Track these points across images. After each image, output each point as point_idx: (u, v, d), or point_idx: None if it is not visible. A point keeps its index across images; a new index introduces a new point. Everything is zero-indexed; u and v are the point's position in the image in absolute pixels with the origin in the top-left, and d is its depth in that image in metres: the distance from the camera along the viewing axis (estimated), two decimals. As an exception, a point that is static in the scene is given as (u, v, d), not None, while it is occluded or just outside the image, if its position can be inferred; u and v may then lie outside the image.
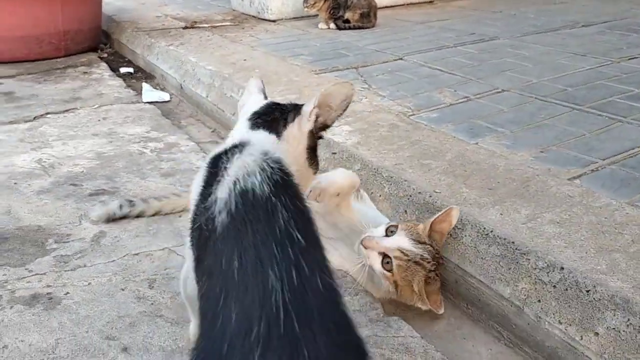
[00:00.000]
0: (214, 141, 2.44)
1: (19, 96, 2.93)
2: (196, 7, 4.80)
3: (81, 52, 3.84)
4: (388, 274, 1.37)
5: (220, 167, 0.93)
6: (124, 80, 3.34)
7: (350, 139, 1.95)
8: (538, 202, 1.50)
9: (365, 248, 1.39)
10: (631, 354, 1.09)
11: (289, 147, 1.13)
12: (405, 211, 1.60)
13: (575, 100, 2.26)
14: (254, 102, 1.18)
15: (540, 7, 4.45)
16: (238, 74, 2.73)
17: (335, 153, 1.89)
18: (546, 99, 2.29)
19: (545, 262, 1.27)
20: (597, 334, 1.15)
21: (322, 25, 3.81)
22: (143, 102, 2.91)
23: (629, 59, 2.84)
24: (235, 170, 0.91)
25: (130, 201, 1.76)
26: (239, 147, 0.99)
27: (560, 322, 1.20)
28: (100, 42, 4.12)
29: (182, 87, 3.03)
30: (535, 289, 1.26)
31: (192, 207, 1.00)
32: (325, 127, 1.18)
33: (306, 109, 1.15)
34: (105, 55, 3.98)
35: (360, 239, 1.42)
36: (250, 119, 1.14)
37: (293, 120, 1.14)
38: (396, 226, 1.41)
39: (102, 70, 3.50)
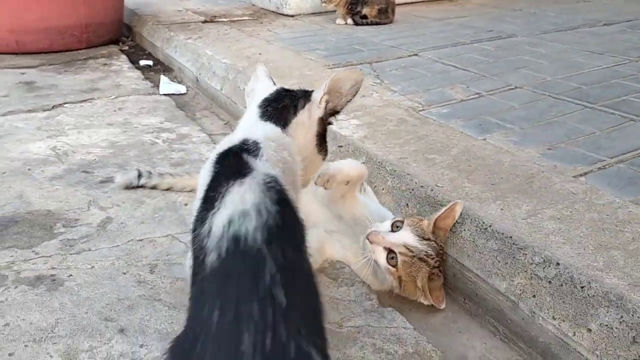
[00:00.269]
0: (226, 133, 2.46)
1: (40, 86, 2.99)
2: (217, 2, 4.84)
3: (102, 44, 3.91)
4: (393, 269, 1.37)
5: (219, 191, 0.89)
6: (143, 72, 3.39)
7: (357, 133, 1.95)
8: (540, 198, 1.49)
9: (371, 243, 1.39)
10: (623, 351, 1.08)
11: (298, 134, 1.14)
12: (407, 204, 1.61)
13: (589, 98, 2.23)
14: (263, 87, 1.19)
15: (563, 5, 4.38)
16: (252, 67, 2.75)
17: (341, 146, 1.90)
18: (559, 96, 2.27)
19: (542, 258, 1.26)
20: (589, 330, 1.14)
21: (339, 21, 3.82)
22: (159, 94, 2.95)
23: (649, 58, 2.79)
24: (232, 203, 0.86)
25: (149, 172, 1.89)
26: (243, 161, 0.95)
27: (553, 318, 1.19)
28: (121, 34, 4.18)
29: (197, 80, 3.07)
30: (531, 284, 1.26)
31: (195, 208, 0.97)
32: (334, 112, 1.20)
33: (316, 96, 1.16)
34: (126, 47, 4.04)
35: (365, 233, 1.42)
36: (260, 106, 1.14)
37: (303, 107, 1.15)
38: (402, 221, 1.41)
39: (122, 62, 3.56)
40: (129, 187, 1.87)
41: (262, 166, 0.95)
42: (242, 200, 0.86)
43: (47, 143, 2.24)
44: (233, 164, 0.96)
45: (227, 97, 2.71)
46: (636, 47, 3.01)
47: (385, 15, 3.77)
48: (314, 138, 1.18)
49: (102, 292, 1.36)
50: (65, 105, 2.71)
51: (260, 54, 3.03)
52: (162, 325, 1.26)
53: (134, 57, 3.78)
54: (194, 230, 0.91)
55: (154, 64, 3.64)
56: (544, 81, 2.47)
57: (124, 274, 1.44)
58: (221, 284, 0.78)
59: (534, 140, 1.86)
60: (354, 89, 1.16)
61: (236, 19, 4.10)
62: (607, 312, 1.12)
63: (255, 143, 1.01)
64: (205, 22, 3.99)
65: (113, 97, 2.85)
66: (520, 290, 1.27)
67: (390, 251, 1.37)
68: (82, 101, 2.77)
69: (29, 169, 2.00)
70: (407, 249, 1.36)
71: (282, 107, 1.13)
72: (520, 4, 4.47)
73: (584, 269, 1.21)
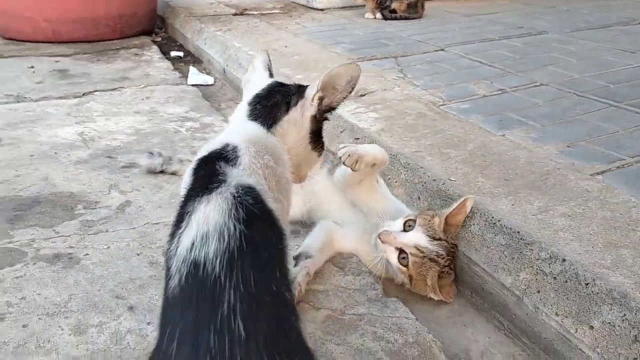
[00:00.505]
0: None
1: (72, 74, 3.08)
2: (249, -5, 4.89)
3: (135, 35, 3.99)
4: (404, 268, 1.38)
5: (187, 210, 0.87)
6: (173, 63, 3.45)
7: (374, 126, 1.96)
8: (553, 195, 1.48)
9: (383, 242, 1.40)
10: (624, 349, 1.07)
11: (290, 132, 1.09)
12: (419, 197, 1.61)
13: (615, 97, 2.18)
14: (257, 80, 1.15)
15: (597, 3, 4.28)
16: (276, 59, 2.78)
17: (358, 138, 1.91)
18: (584, 94, 2.23)
19: (548, 253, 1.25)
20: (592, 327, 1.13)
21: (368, 15, 3.82)
22: (187, 85, 3.01)
23: (683, 58, 2.71)
24: (197, 223, 0.84)
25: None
26: (215, 172, 0.92)
27: (557, 314, 1.18)
28: (155, 26, 4.26)
29: (224, 72, 3.11)
30: (536, 279, 1.25)
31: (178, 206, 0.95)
32: (330, 109, 1.13)
33: (309, 93, 1.10)
34: (159, 39, 4.12)
35: (377, 232, 1.43)
36: (250, 103, 1.10)
37: (296, 104, 1.09)
38: (414, 220, 1.41)
39: (153, 52, 3.63)
40: (150, 171, 1.94)
41: (237, 175, 0.92)
42: (205, 220, 0.84)
43: (75, 128, 2.31)
44: (205, 176, 0.93)
45: (251, 89, 2.74)
46: (671, 46, 2.93)
47: (414, 10, 3.75)
48: (307, 136, 1.12)
49: (115, 271, 1.41)
50: (96, 93, 2.79)
51: (286, 46, 3.05)
52: (170, 305, 1.29)
53: (166, 48, 3.85)
54: (167, 242, 0.90)
55: (184, 55, 3.70)
56: (570, 79, 2.43)
57: (138, 255, 1.48)
58: (180, 313, 0.77)
59: (554, 137, 1.84)
60: (350, 85, 1.10)
61: (266, 12, 4.14)
62: (610, 309, 1.11)
63: (235, 149, 0.98)
64: (235, 14, 4.04)
65: (142, 86, 2.92)
66: (525, 285, 1.26)
67: (401, 251, 1.38)
68: (112, 89, 2.85)
69: (55, 153, 2.07)
70: (418, 249, 1.36)
71: (272, 104, 1.09)
72: (554, 1, 4.38)
73: (590, 266, 1.19)
